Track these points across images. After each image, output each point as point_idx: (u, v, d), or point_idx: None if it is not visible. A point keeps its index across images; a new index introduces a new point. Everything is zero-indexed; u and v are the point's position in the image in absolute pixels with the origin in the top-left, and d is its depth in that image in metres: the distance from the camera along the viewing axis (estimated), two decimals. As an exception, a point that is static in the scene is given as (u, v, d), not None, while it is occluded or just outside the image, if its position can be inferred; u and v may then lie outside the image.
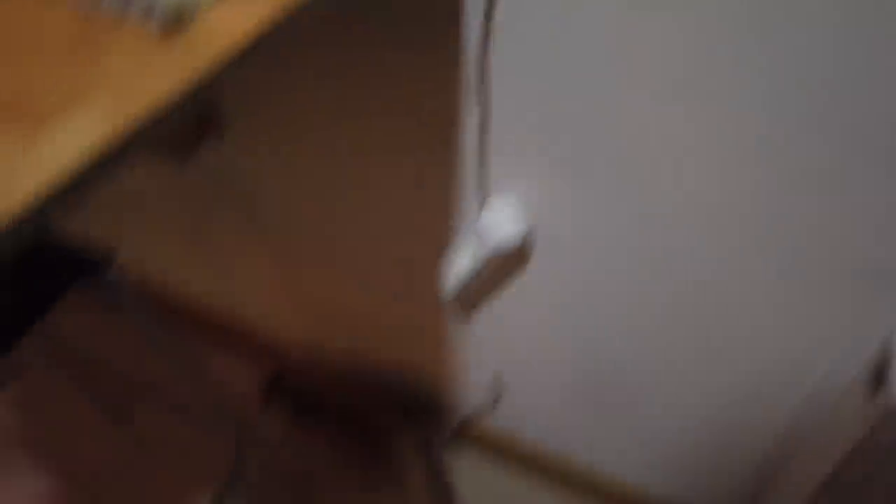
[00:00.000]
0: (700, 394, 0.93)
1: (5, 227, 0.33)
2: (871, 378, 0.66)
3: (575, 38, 0.63)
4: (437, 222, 0.91)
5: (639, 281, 0.83)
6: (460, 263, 0.89)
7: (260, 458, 0.98)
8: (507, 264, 0.90)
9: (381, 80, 0.76)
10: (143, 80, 0.41)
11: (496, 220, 0.81)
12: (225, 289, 1.37)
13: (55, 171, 0.35)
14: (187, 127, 0.94)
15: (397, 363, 1.26)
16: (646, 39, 0.60)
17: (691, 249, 0.75)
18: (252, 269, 1.25)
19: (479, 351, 1.09)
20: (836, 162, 0.60)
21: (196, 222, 1.19)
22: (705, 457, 1.03)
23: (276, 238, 1.13)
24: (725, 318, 0.80)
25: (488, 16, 0.64)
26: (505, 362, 1.11)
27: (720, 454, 1.01)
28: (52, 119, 0.38)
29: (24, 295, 0.71)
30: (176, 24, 0.44)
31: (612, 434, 1.10)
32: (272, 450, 0.98)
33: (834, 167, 0.61)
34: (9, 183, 0.35)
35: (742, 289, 0.75)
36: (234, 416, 0.98)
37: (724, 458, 1.01)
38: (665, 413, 1.00)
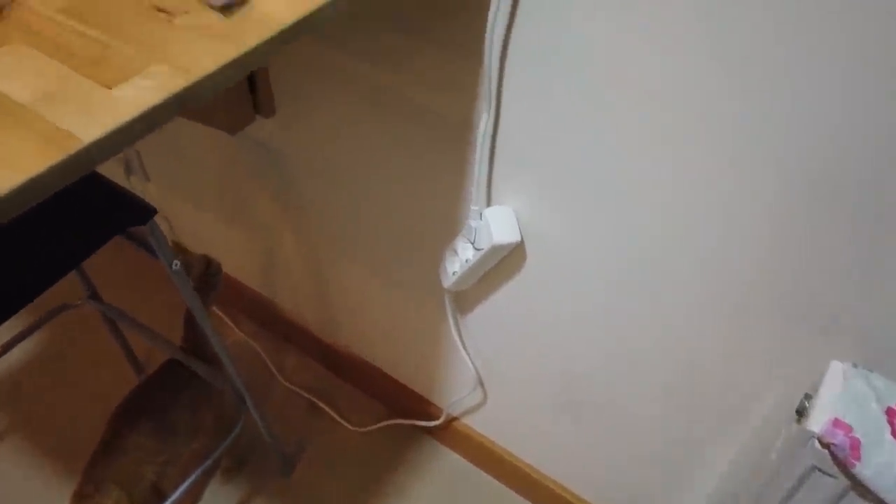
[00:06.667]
0: (653, 416, 0.99)
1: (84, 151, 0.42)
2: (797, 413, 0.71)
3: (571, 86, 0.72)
4: (446, 220, 1.00)
5: (616, 304, 0.90)
6: (458, 260, 0.98)
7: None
8: (499, 268, 0.98)
9: (412, 75, 0.86)
10: (200, 51, 0.51)
11: (494, 226, 0.90)
12: (252, 260, 1.48)
13: (124, 114, 0.46)
14: (242, 101, 1.06)
15: (391, 359, 1.35)
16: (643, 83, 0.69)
17: (664, 277, 0.82)
18: (276, 246, 1.36)
19: (467, 353, 1.17)
20: (806, 215, 0.67)
21: (235, 190, 1.31)
22: (651, 479, 1.08)
23: (299, 219, 1.24)
24: (683, 345, 0.87)
25: (508, 28, 0.73)
26: (488, 369, 1.18)
27: (666, 479, 1.06)
28: (127, 74, 0.49)
29: (72, 234, 0.78)
30: (235, 7, 0.55)
31: (577, 449, 1.16)
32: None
33: (805, 221, 0.68)
34: (86, 112, 0.46)
35: (700, 322, 0.82)
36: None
37: (671, 483, 1.06)
38: (623, 431, 1.06)
